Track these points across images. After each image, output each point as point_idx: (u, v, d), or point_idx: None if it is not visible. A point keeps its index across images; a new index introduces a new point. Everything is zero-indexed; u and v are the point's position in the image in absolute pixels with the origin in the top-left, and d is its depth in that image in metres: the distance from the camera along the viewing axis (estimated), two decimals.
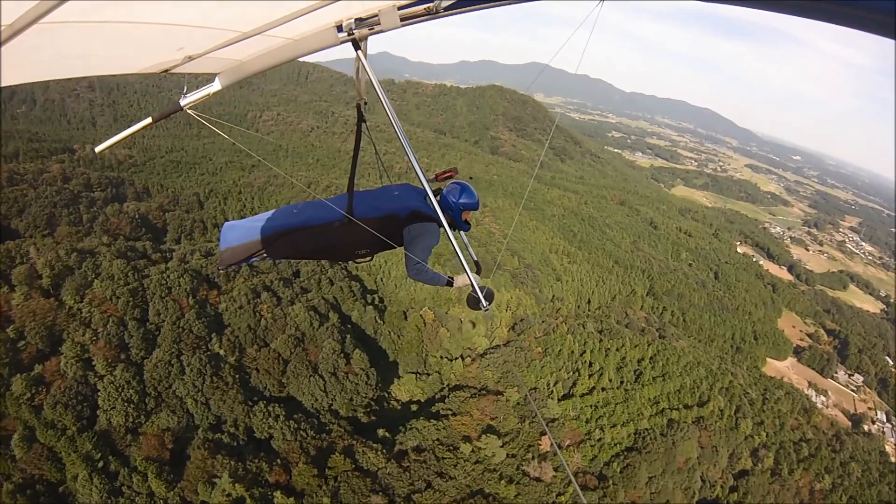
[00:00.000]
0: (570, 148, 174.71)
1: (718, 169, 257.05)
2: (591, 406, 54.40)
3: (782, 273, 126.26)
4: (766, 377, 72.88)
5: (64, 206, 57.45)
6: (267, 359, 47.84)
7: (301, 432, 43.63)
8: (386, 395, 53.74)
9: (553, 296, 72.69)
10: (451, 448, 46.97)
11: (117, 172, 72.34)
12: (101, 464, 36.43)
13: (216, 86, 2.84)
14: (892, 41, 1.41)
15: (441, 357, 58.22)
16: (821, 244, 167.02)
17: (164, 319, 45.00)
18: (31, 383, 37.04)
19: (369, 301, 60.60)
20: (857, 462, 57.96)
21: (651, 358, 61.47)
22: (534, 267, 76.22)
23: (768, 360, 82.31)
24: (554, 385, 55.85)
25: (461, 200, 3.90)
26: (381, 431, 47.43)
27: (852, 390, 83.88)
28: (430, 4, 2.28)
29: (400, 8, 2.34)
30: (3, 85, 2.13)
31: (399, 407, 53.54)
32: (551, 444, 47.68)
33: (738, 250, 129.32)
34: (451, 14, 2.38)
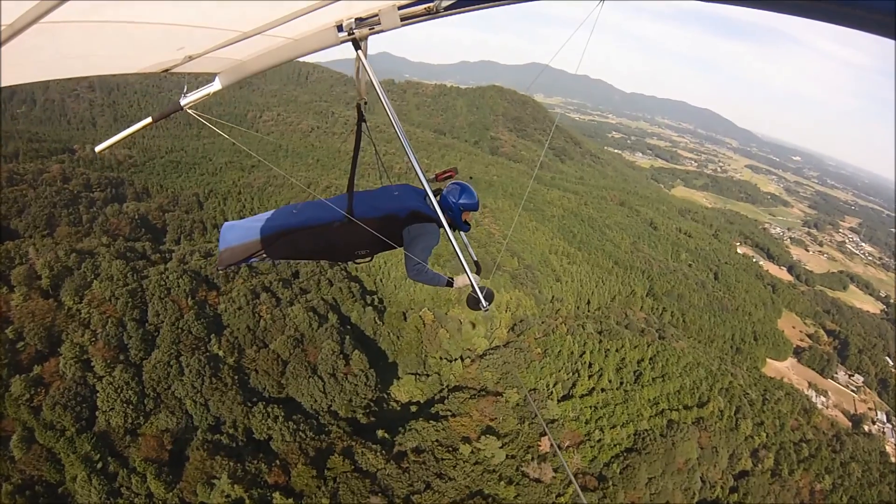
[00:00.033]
0: (570, 148, 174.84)
1: (718, 169, 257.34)
2: (590, 407, 54.38)
3: (782, 274, 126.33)
4: (766, 378, 72.87)
5: (63, 206, 57.40)
6: (266, 360, 47.80)
7: (300, 433, 43.58)
8: (385, 396, 53.70)
9: (553, 297, 72.69)
10: (450, 449, 46.94)
11: (117, 173, 72.31)
12: (99, 465, 36.39)
13: (216, 85, 2.84)
14: (892, 41, 1.41)
15: (440, 358, 58.20)
16: (821, 245, 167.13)
17: (163, 320, 44.96)
18: (29, 384, 36.99)
19: (369, 302, 60.57)
20: (858, 462, 57.96)
21: (651, 359, 61.47)
22: (533, 268, 76.23)
23: (768, 360, 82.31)
24: (553, 386, 55.83)
25: (461, 201, 3.90)
26: (380, 432, 47.39)
27: (852, 391, 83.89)
28: (430, 4, 2.28)
29: (400, 8, 2.35)
30: (4, 85, 2.13)
31: (398, 408, 53.50)
32: (551, 445, 47.65)
33: (738, 251, 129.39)
34: (451, 14, 2.39)
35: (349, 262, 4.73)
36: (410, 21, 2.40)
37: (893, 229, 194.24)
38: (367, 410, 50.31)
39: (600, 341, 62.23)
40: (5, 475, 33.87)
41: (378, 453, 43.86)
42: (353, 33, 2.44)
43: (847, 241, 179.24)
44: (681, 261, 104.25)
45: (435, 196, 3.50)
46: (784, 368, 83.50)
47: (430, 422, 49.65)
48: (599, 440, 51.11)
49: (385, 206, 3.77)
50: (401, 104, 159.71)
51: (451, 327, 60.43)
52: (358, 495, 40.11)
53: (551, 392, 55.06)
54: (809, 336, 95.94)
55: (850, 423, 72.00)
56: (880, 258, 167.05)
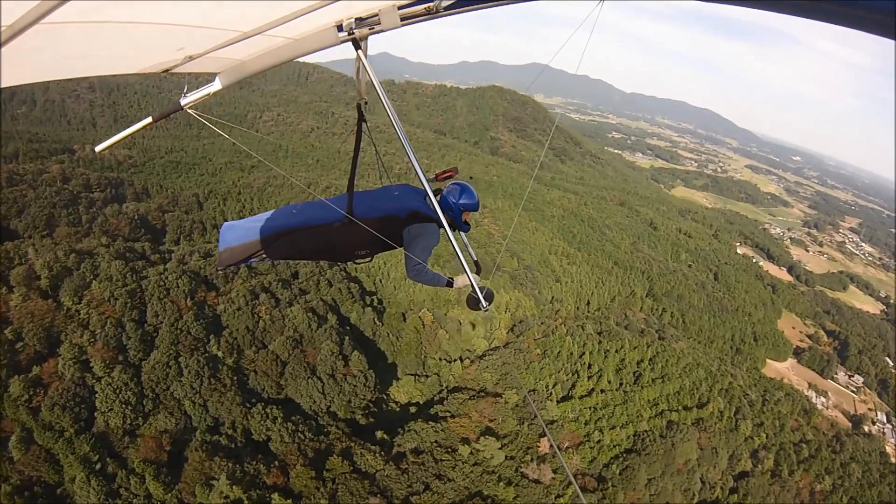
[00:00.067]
0: (570, 149, 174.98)
1: (718, 170, 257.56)
2: (590, 408, 54.37)
3: (782, 274, 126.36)
4: (765, 378, 72.86)
5: (63, 206, 57.40)
6: (265, 360, 47.77)
7: (299, 434, 43.55)
8: (384, 396, 53.67)
9: (552, 297, 72.70)
10: (449, 450, 46.92)
11: (117, 173, 72.30)
12: (98, 466, 36.36)
13: (216, 85, 2.84)
14: (892, 41, 1.41)
15: (440, 359, 58.19)
16: (821, 245, 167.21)
17: (162, 321, 44.94)
18: (28, 385, 36.95)
19: (368, 302, 60.56)
20: (858, 463, 57.96)
21: (650, 359, 61.47)
22: (533, 268, 76.24)
23: (768, 361, 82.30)
24: (553, 387, 55.82)
25: (461, 201, 3.89)
26: (379, 433, 47.36)
27: (852, 391, 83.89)
28: (430, 4, 2.28)
29: (400, 8, 2.35)
30: (4, 85, 2.13)
31: (397, 409, 53.48)
32: (551, 446, 47.63)
33: (738, 251, 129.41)
34: (451, 14, 2.39)
35: (349, 263, 4.73)
36: (410, 21, 2.40)
37: (893, 229, 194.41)
38: (367, 411, 50.28)
39: (600, 342, 62.24)
40: (4, 476, 33.83)
41: (377, 454, 43.83)
42: (353, 33, 2.45)
43: (847, 241, 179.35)
44: (681, 261, 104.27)
45: (435, 196, 3.50)
46: (784, 369, 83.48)
47: (430, 423, 49.62)
48: (599, 441, 51.09)
49: (385, 206, 3.77)
50: (401, 104, 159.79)
51: (450, 328, 60.43)
52: (357, 496, 40.07)
53: (551, 393, 55.05)
54: (809, 337, 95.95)
55: (850, 424, 72.00)
56: (880, 258, 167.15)
